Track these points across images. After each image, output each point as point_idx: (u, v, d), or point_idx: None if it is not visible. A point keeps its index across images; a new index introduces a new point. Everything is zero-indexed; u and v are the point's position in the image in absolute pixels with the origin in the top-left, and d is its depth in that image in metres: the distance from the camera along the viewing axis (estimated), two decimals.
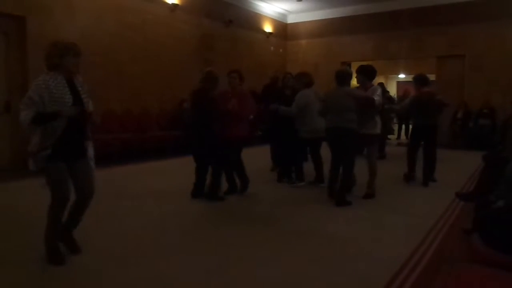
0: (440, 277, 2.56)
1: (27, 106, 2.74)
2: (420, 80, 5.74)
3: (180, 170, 6.26)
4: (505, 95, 9.70)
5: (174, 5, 9.18)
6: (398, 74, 18.69)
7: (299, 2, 11.85)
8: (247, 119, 5.01)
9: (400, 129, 12.75)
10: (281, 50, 13.36)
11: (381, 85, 7.34)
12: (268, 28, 12.58)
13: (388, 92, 10.12)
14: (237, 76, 4.90)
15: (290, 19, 13.46)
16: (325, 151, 5.36)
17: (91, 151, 3.05)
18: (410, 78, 13.92)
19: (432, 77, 11.94)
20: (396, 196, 5.10)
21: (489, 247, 1.93)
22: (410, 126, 6.11)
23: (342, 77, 4.70)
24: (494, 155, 4.75)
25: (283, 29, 13.41)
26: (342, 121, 4.55)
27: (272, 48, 12.90)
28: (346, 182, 4.73)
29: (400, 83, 18.95)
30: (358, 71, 5.05)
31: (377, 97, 4.69)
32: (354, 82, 6.04)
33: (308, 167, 5.88)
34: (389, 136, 9.77)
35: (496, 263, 1.83)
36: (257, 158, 7.04)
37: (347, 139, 4.58)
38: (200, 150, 4.73)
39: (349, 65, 13.00)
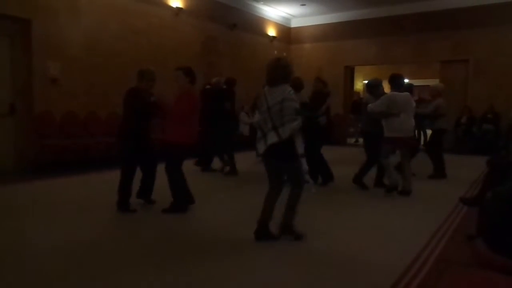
0: (443, 282, 2.54)
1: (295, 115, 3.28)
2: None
3: None
4: (509, 100, 9.67)
5: (178, 8, 9.23)
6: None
7: (302, 6, 11.89)
8: (184, 122, 4.26)
9: None
10: (284, 54, 13.37)
11: None
12: (271, 32, 12.62)
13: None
14: (182, 74, 4.37)
15: (294, 23, 13.50)
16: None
17: None
18: (414, 82, 13.91)
19: (436, 81, 11.96)
20: (398, 200, 5.08)
21: (493, 251, 1.91)
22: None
23: (366, 86, 5.91)
24: (498, 160, 4.72)
25: (287, 33, 13.44)
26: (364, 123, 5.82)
27: (275, 52, 12.91)
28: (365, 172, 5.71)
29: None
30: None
31: (373, 105, 5.20)
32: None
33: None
34: None
35: (500, 268, 1.82)
36: None
37: (366, 139, 5.84)
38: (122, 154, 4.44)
39: (353, 69, 13.05)
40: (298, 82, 5.45)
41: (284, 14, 12.97)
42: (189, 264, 2.94)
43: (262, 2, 11.65)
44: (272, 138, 3.27)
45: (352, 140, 12.93)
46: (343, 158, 8.59)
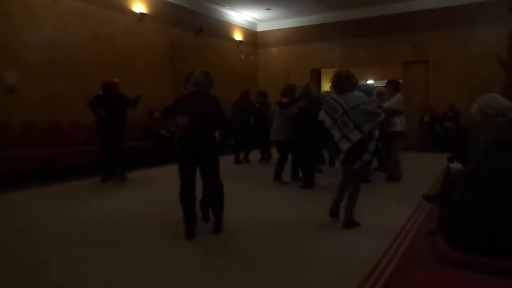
0: (408, 279, 2.61)
1: None
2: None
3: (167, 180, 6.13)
4: (468, 99, 10.07)
5: (141, 14, 9.09)
6: (367, 80, 19.13)
7: (268, 10, 11.99)
8: None
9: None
10: (251, 58, 13.44)
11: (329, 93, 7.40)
12: (238, 36, 12.65)
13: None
14: None
15: (260, 28, 13.59)
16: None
17: None
18: (378, 83, 14.33)
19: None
20: (364, 199, 5.16)
21: (451, 247, 1.98)
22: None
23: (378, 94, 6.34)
24: (458, 156, 4.89)
25: (253, 38, 13.51)
26: None
27: (242, 56, 12.96)
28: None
29: None
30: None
31: (393, 104, 5.97)
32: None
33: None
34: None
35: (458, 262, 1.88)
36: None
37: None
38: None
39: (319, 71, 13.24)
40: (291, 88, 6.14)
41: (250, 19, 13.03)
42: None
43: (227, 7, 11.66)
44: (357, 136, 3.72)
45: None
46: None
